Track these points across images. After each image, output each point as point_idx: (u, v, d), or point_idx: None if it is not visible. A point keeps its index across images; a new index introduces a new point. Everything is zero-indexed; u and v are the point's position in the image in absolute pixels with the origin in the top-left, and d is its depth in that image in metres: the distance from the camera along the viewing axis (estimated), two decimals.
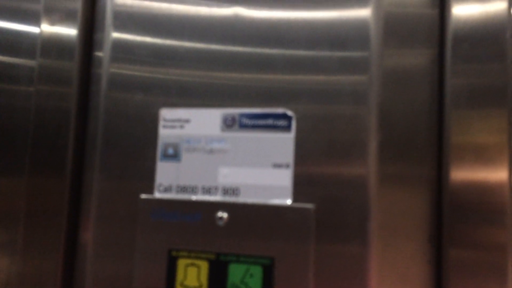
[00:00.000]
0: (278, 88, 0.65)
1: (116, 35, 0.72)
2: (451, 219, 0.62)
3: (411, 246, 0.63)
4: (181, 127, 0.67)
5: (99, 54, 0.75)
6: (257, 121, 0.64)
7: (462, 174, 0.62)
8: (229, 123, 0.65)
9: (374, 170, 0.62)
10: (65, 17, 0.74)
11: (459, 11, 0.63)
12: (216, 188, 0.65)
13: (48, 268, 0.71)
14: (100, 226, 0.69)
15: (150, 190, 0.68)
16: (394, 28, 0.64)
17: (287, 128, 0.63)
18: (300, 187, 0.63)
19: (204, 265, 0.63)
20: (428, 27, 0.65)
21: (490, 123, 0.61)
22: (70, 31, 0.74)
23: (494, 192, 0.61)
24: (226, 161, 0.65)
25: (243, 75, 0.66)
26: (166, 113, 0.68)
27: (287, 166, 0.63)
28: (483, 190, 0.61)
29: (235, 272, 0.62)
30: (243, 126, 0.65)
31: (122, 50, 0.72)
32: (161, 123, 0.68)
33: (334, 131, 0.63)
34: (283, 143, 0.63)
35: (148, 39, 0.71)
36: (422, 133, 0.64)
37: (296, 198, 0.63)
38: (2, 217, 0.74)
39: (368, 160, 0.62)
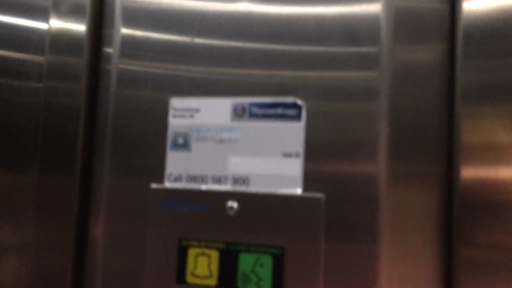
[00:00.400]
0: (289, 83, 0.65)
1: (125, 30, 0.72)
2: (461, 217, 0.61)
3: (421, 244, 0.63)
4: (191, 116, 0.67)
5: (108, 50, 0.75)
6: (267, 110, 0.64)
7: (473, 171, 0.62)
8: (239, 112, 0.65)
9: (384, 166, 0.62)
10: (74, 11, 0.75)
11: (470, 6, 0.63)
12: (226, 178, 0.65)
13: (59, 264, 0.71)
14: (110, 221, 0.69)
15: (160, 181, 0.68)
16: (404, 24, 0.64)
17: (297, 117, 0.63)
18: (310, 177, 0.63)
19: (214, 255, 0.62)
20: (439, 22, 0.65)
21: (501, 119, 0.61)
22: (79, 27, 0.74)
23: (505, 190, 0.61)
24: (236, 150, 0.65)
25: (254, 71, 0.66)
26: (176, 103, 0.68)
27: (297, 155, 0.63)
28: (494, 188, 0.61)
29: (246, 261, 0.61)
30: (253, 115, 0.65)
31: (132, 46, 0.72)
32: (171, 112, 0.68)
33: (345, 125, 0.63)
34: (293, 132, 0.63)
35: (157, 35, 0.71)
36: (433, 129, 0.64)
37: (306, 188, 0.63)
38: (13, 214, 0.74)
39: (378, 156, 0.62)
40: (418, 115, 0.64)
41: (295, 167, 0.63)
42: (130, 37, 0.72)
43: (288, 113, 0.63)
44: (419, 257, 0.63)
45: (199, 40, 0.69)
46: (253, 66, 0.67)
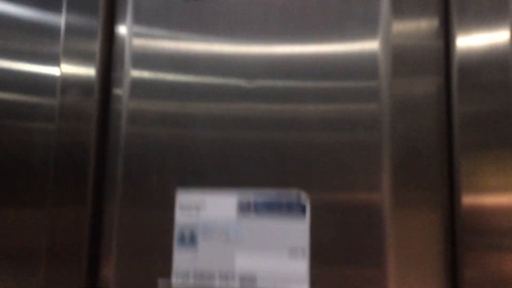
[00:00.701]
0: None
1: (135, 73, 0.76)
2: (464, 244, 0.63)
3: (427, 270, 0.64)
4: (197, 210, 0.69)
5: (118, 91, 0.78)
6: (272, 208, 0.67)
7: (473, 199, 0.63)
8: (244, 209, 0.67)
9: (388, 194, 0.64)
10: (84, 57, 0.78)
11: (464, 42, 0.66)
12: (233, 276, 0.66)
13: None
14: (121, 262, 0.71)
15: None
16: (402, 59, 0.67)
17: (302, 213, 0.66)
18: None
19: None
20: (434, 57, 0.68)
21: (498, 149, 0.63)
22: (89, 71, 0.78)
23: (505, 217, 0.63)
24: (243, 247, 0.66)
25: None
26: (183, 198, 0.70)
27: (303, 252, 0.65)
28: (495, 215, 0.63)
29: None
30: (259, 211, 0.67)
31: (141, 87, 0.75)
32: (177, 208, 0.70)
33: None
34: (298, 229, 0.65)
35: (166, 76, 0.74)
36: (434, 158, 0.66)
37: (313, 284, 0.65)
38: (23, 253, 0.75)
39: (382, 184, 0.64)
40: (419, 144, 0.66)
41: (301, 265, 0.64)
42: (139, 79, 0.75)
43: (293, 210, 0.66)
44: (424, 281, 0.64)
45: (203, 79, 0.72)
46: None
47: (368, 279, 0.63)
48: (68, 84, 0.78)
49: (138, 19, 0.76)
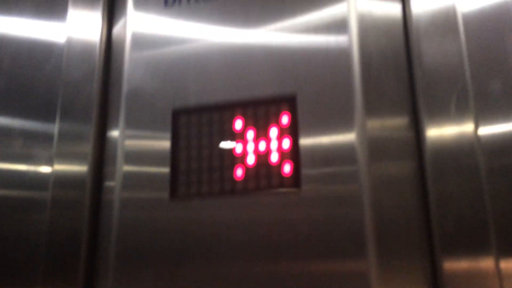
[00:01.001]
0: None
1: (127, 167, 0.80)
2: None
3: None
4: None
5: (110, 183, 0.81)
6: None
7: (453, 264, 0.67)
8: None
9: (373, 262, 0.65)
10: (76, 156, 0.84)
11: (433, 133, 0.73)
12: None
13: None
14: None
15: None
16: (377, 147, 0.73)
17: None
18: None
19: None
20: (407, 145, 0.74)
21: (469, 222, 0.68)
22: (81, 168, 0.83)
23: (483, 280, 0.65)
24: None
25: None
26: None
27: None
28: (474, 279, 0.66)
29: None
30: None
31: (133, 179, 0.79)
32: None
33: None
34: None
35: (156, 169, 0.79)
36: (414, 228, 0.70)
37: None
38: None
39: (368, 254, 0.66)
40: (400, 217, 0.71)
41: None
42: (131, 173, 0.80)
43: None
44: None
45: None
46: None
47: None
48: (60, 179, 0.83)
49: (130, 124, 0.82)
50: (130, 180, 0.79)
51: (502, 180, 0.68)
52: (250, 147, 0.75)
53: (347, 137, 0.72)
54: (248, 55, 0.79)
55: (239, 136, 0.76)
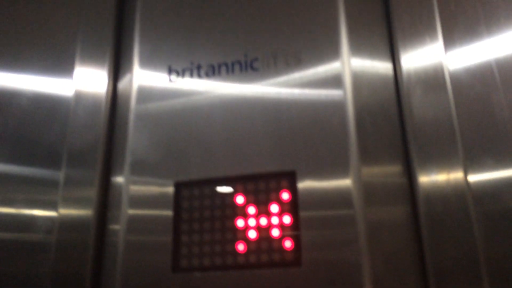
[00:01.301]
0: None
1: (131, 211, 0.82)
2: None
3: None
4: None
5: (115, 226, 0.83)
6: None
7: None
8: None
9: None
10: (81, 201, 0.86)
11: (424, 180, 0.77)
12: None
13: None
14: None
15: None
16: (372, 192, 0.76)
17: None
18: None
19: None
20: (401, 190, 0.78)
21: (461, 261, 0.71)
22: (86, 212, 0.85)
23: None
24: None
25: None
26: None
27: None
28: None
29: None
30: None
31: (138, 223, 0.81)
32: None
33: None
34: None
35: (161, 212, 0.81)
36: (408, 270, 0.73)
37: None
38: None
39: None
40: (394, 260, 0.73)
41: None
42: (136, 216, 0.82)
43: None
44: None
45: None
46: None
47: None
48: (65, 223, 0.85)
49: (135, 171, 0.85)
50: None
51: (492, 225, 0.72)
52: (252, 221, 0.77)
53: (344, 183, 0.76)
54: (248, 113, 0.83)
55: (241, 210, 0.78)
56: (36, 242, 0.85)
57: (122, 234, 0.80)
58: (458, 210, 0.73)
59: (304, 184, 0.76)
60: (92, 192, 0.86)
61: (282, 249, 0.74)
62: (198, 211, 0.79)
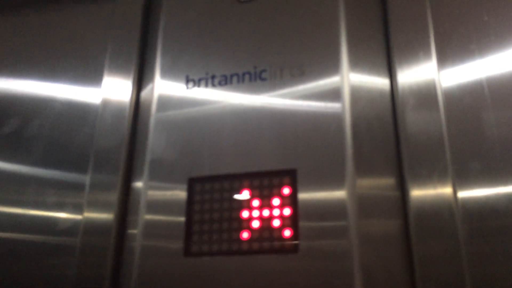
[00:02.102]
0: None
1: (148, 216, 0.90)
2: None
3: None
4: None
5: (132, 231, 0.91)
6: None
7: None
8: None
9: None
10: (104, 205, 0.94)
11: (416, 194, 0.81)
12: None
13: None
14: None
15: None
16: (366, 204, 0.81)
17: None
18: None
19: None
20: (394, 204, 0.83)
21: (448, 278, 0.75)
22: (108, 216, 0.93)
23: None
24: None
25: None
26: None
27: None
28: None
29: None
30: None
31: (153, 227, 0.89)
32: None
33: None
34: None
35: (174, 218, 0.88)
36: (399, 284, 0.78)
37: None
38: None
39: None
40: (387, 272, 0.78)
41: None
42: (152, 221, 0.89)
43: None
44: None
45: None
46: None
47: None
48: (88, 227, 0.93)
49: (153, 171, 0.93)
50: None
51: (479, 242, 0.76)
52: (255, 213, 0.84)
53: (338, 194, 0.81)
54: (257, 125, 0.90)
55: (246, 203, 0.86)
56: (61, 245, 0.94)
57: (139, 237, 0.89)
58: (447, 225, 0.77)
59: (303, 181, 0.83)
60: (114, 196, 0.94)
61: (281, 238, 0.80)
62: (208, 203, 0.86)
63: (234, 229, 0.84)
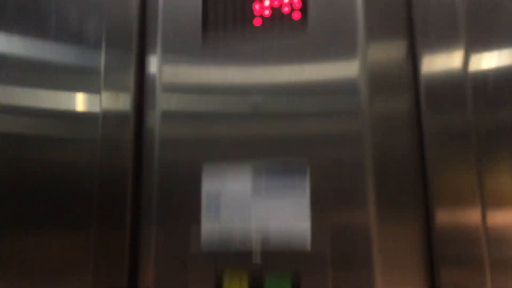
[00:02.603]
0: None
1: (164, 101, 0.89)
2: (439, 257, 0.74)
3: (408, 275, 0.76)
4: (221, 181, 0.83)
5: (150, 122, 0.91)
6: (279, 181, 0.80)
7: (444, 215, 0.75)
8: (258, 181, 0.81)
9: (373, 213, 0.75)
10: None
11: (427, 67, 0.81)
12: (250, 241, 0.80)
13: None
14: (158, 273, 0.82)
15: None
16: (377, 80, 0.80)
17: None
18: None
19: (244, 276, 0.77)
20: (405, 78, 0.82)
21: (461, 164, 0.76)
22: (125, 105, 0.93)
23: (470, 232, 0.74)
24: (257, 214, 0.80)
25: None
26: (208, 169, 0.84)
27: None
28: (462, 231, 0.74)
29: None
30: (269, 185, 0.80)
31: (171, 115, 0.89)
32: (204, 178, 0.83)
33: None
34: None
35: (192, 104, 0.88)
36: (411, 174, 0.79)
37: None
38: (73, 266, 0.86)
39: (368, 203, 0.75)
40: (398, 161, 0.79)
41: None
42: (168, 110, 0.89)
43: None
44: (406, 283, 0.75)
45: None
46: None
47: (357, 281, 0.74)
48: (107, 118, 0.92)
49: (166, 51, 0.91)
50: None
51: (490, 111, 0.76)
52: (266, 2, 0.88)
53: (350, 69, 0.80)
54: None
55: None
56: (83, 138, 0.92)
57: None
58: (457, 95, 0.78)
59: None
60: (130, 79, 0.93)
61: (291, 20, 0.86)
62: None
63: (247, 18, 0.88)
